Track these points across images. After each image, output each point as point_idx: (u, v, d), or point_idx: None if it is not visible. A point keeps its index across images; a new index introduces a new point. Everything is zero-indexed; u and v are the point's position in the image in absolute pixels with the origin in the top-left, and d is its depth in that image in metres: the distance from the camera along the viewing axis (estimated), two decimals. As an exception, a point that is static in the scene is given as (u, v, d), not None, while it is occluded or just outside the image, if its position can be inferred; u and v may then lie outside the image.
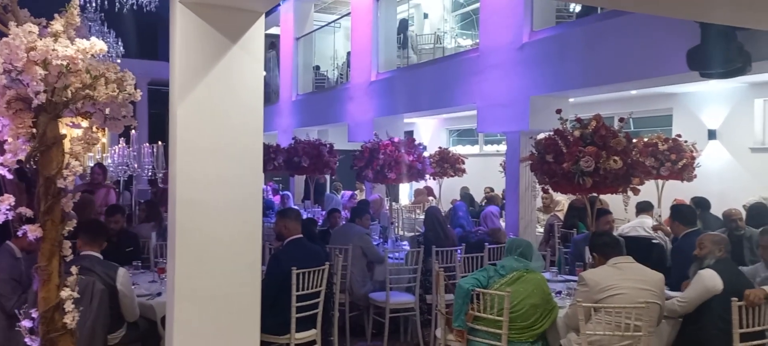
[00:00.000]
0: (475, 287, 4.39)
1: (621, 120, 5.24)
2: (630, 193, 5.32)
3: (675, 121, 10.52)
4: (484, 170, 13.40)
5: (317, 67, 16.15)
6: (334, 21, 15.48)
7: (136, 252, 5.79)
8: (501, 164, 11.39)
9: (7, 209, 3.41)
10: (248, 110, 3.74)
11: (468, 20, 14.25)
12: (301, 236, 5.05)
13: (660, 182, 8.93)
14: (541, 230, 9.16)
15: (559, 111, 5.35)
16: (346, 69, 14.54)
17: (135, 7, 7.95)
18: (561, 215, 8.89)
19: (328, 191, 13.96)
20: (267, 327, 4.38)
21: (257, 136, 3.80)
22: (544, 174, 5.27)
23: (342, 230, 7.12)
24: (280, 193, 12.45)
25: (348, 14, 13.72)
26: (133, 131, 7.63)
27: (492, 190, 12.00)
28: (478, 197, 12.44)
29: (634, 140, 5.70)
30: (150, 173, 7.54)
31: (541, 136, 5.84)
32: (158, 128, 16.41)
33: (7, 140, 3.55)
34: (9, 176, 3.65)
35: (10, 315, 4.19)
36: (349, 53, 14.12)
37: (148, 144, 7.57)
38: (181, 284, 3.52)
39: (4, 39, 3.19)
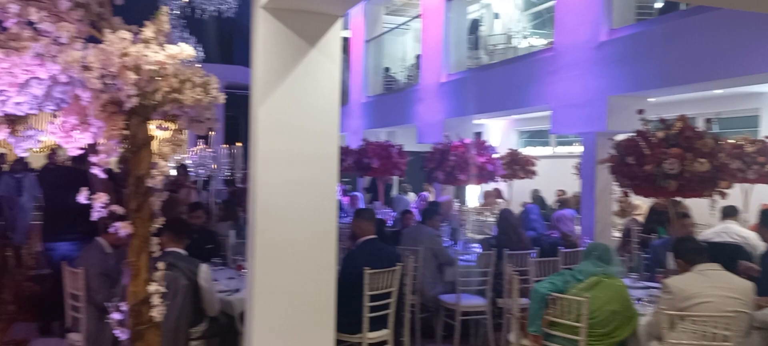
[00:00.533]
0: (551, 292, 4.31)
1: (708, 121, 5.01)
2: (717, 197, 5.08)
3: (763, 122, 9.98)
4: (555, 172, 13.11)
5: (387, 69, 16.24)
6: (404, 23, 15.52)
7: (215, 249, 5.98)
8: (575, 166, 11.11)
9: (101, 207, 3.60)
10: (325, 112, 3.80)
11: (540, 19, 13.99)
12: (374, 236, 5.09)
13: (746, 185, 8.49)
14: (618, 234, 8.87)
15: (640, 111, 5.17)
16: (415, 70, 14.55)
17: (215, 13, 8.25)
18: (639, 219, 8.59)
19: (395, 193, 14.01)
20: (340, 325, 4.43)
21: (333, 138, 3.85)
22: (624, 177, 5.11)
23: (412, 232, 7.13)
24: (350, 193, 12.58)
25: (418, 16, 13.72)
26: (211, 133, 7.89)
27: (564, 192, 11.73)
28: (550, 199, 12.18)
29: (721, 142, 5.44)
30: (227, 174, 7.77)
31: (621, 137, 5.66)
32: (233, 131, 16.92)
33: (98, 142, 3.75)
34: (102, 175, 3.86)
35: (101, 308, 4.42)
36: (418, 56, 14.13)
37: (225, 146, 7.80)
38: (261, 282, 3.61)
39: (100, 45, 3.37)
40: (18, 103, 4.77)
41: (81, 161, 6.00)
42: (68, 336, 4.67)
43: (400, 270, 5.08)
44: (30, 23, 3.53)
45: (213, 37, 15.08)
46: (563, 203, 10.56)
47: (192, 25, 11.49)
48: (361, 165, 10.68)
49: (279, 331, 3.63)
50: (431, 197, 12.01)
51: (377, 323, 4.98)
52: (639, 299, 4.98)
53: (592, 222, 8.30)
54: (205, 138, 8.67)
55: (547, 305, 4.32)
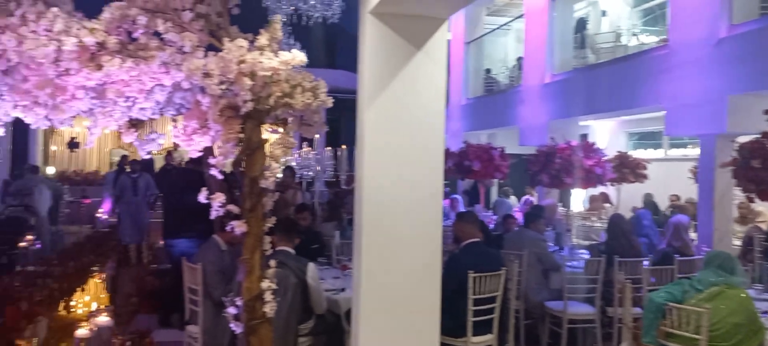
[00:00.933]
0: (668, 302, 4.09)
1: None
2: None
3: None
4: (667, 176, 12.42)
5: (488, 71, 16.05)
6: (506, 23, 15.29)
7: (320, 249, 6.15)
8: (691, 170, 10.48)
9: (219, 206, 3.79)
10: (431, 115, 3.82)
11: (652, 16, 13.33)
12: (478, 239, 5.04)
13: None
14: (738, 243, 8.28)
15: (767, 112, 4.81)
16: (517, 72, 14.28)
17: (320, 19, 8.49)
18: (762, 227, 7.98)
19: (495, 196, 13.81)
20: (444, 328, 4.42)
21: (439, 140, 3.86)
22: (748, 181, 4.77)
23: (516, 236, 6.99)
24: (450, 196, 12.54)
25: (521, 16, 13.47)
26: (316, 136, 8.12)
27: (678, 198, 11.10)
28: (662, 204, 11.56)
29: None
30: (330, 175, 7.96)
31: (744, 139, 5.28)
32: (334, 133, 17.31)
33: (215, 145, 3.96)
34: (219, 176, 4.07)
35: (217, 302, 4.66)
36: (520, 57, 13.87)
37: (329, 148, 7.99)
38: (367, 282, 3.67)
39: (220, 53, 3.55)
40: (142, 109, 5.13)
41: (198, 163, 6.37)
42: (187, 328, 4.96)
43: (505, 274, 5.00)
44: (156, 34, 3.79)
45: (316, 42, 15.54)
46: (678, 208, 9.99)
47: (297, 30, 11.89)
48: (461, 168, 10.61)
49: (384, 331, 3.68)
50: (534, 201, 11.74)
51: (481, 328, 4.92)
52: (765, 313, 4.63)
53: (711, 230, 7.80)
54: (309, 141, 8.92)
55: (664, 315, 4.11)
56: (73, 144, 17.65)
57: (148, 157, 6.46)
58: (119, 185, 10.59)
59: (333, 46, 16.34)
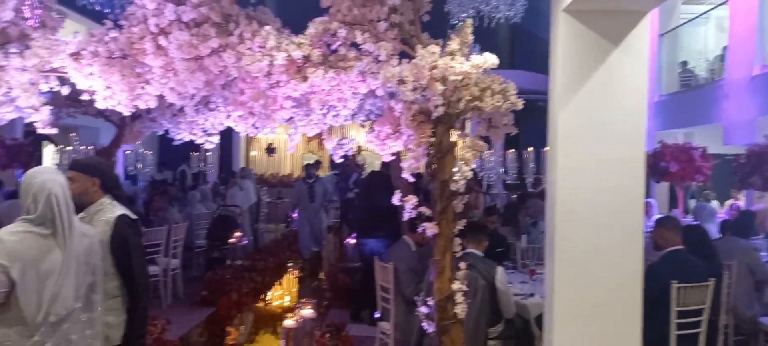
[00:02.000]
0: None
1: None
2: None
3: None
4: None
5: (684, 64, 14.78)
6: (706, 12, 13.98)
7: (505, 253, 6.08)
8: None
9: (411, 208, 3.92)
10: (630, 115, 3.62)
11: None
12: (681, 247, 4.66)
13: None
14: None
15: None
16: (719, 64, 12.97)
17: (502, 20, 8.43)
18: None
19: (693, 200, 12.67)
20: (644, 341, 4.15)
21: (639, 143, 3.65)
22: None
23: (724, 244, 6.35)
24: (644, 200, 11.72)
25: (724, 2, 12.24)
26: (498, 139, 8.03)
27: None
28: None
29: None
30: (513, 178, 7.85)
31: None
32: (513, 135, 16.99)
33: (409, 149, 4.09)
34: (411, 180, 4.20)
35: (408, 301, 4.81)
36: (724, 47, 12.59)
37: (512, 150, 7.89)
38: (561, 290, 3.57)
39: (413, 61, 3.68)
40: (335, 116, 5.47)
41: (386, 166, 6.63)
42: (379, 324, 5.18)
43: (713, 286, 4.57)
44: (353, 45, 4.02)
45: (494, 42, 15.38)
46: None
47: (475, 32, 11.86)
48: (656, 169, 9.86)
49: (581, 340, 3.55)
50: (742, 206, 10.59)
51: (685, 343, 4.54)
52: None
53: None
54: (489, 142, 8.83)
55: None
56: (270, 149, 19.26)
57: (340, 161, 6.87)
58: (296, 191, 10.70)
59: (512, 46, 16.11)
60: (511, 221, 7.43)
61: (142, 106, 4.28)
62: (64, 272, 2.72)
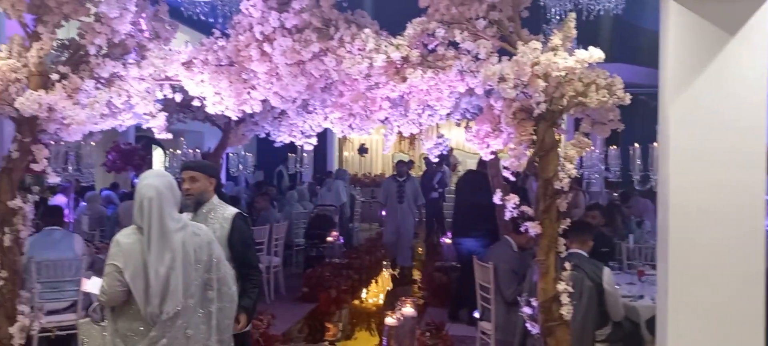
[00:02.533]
0: None
1: None
2: None
3: None
4: None
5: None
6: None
7: (610, 253, 5.86)
8: None
9: (512, 207, 3.87)
10: (748, 108, 3.41)
11: None
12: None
13: None
14: None
15: None
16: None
17: (602, 12, 8.15)
18: None
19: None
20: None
21: (759, 137, 3.42)
22: None
23: None
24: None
25: None
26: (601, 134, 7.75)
27: None
28: None
29: None
30: (616, 175, 7.55)
31: None
32: (613, 131, 16.34)
33: (510, 147, 4.03)
34: (512, 179, 4.14)
35: (509, 302, 4.75)
36: None
37: (614, 146, 7.60)
38: (675, 291, 3.41)
39: (515, 58, 3.62)
40: (431, 116, 5.47)
41: (482, 165, 6.57)
42: (479, 324, 5.15)
43: None
44: (451, 44, 4.01)
45: (593, 35, 14.84)
46: None
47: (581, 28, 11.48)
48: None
49: (697, 343, 3.37)
50: None
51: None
52: None
53: None
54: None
55: None
56: (362, 150, 19.56)
57: (436, 160, 6.85)
58: (384, 189, 9.63)
59: (611, 38, 15.54)
60: (613, 220, 7.15)
61: (248, 110, 4.46)
62: (171, 271, 2.87)
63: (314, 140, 6.25)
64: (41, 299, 4.43)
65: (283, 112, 5.93)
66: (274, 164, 14.57)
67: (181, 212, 3.51)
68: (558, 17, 9.62)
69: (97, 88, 4.19)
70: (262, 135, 6.73)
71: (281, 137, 6.40)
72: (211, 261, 3.07)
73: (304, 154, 12.60)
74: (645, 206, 8.20)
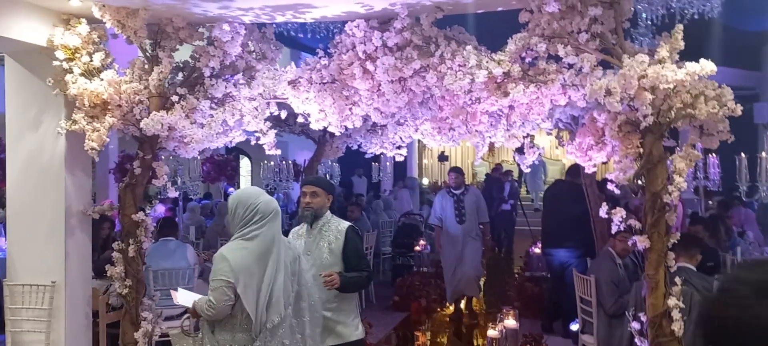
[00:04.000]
0: None
1: None
2: None
3: None
4: None
5: None
6: None
7: (716, 268, 5.65)
8: None
9: (619, 221, 3.83)
10: None
11: None
12: None
13: None
14: None
15: None
16: None
17: (696, 16, 7.86)
18: None
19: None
20: None
21: None
22: None
23: None
24: None
25: None
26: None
27: None
28: None
29: None
30: (716, 186, 7.27)
31: None
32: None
33: (614, 160, 4.00)
34: (617, 192, 4.10)
35: (610, 315, 4.68)
36: None
37: (713, 156, 7.31)
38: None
39: (621, 71, 3.60)
40: (522, 126, 5.46)
41: (576, 175, 6.48)
42: (581, 337, 5.08)
43: None
44: (552, 57, 4.02)
45: (686, 39, 14.17)
46: None
47: (662, 30, 11.10)
48: None
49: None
50: None
51: None
52: None
53: None
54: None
55: None
56: (442, 157, 19.56)
57: (527, 170, 6.82)
58: (437, 207, 7.32)
59: (702, 43, 14.96)
60: (717, 231, 6.87)
61: (350, 126, 4.62)
62: (274, 282, 3.02)
63: (404, 151, 6.37)
64: (158, 306, 4.73)
65: (374, 125, 6.09)
66: (350, 173, 14.78)
67: (298, 223, 3.70)
68: (650, 22, 9.35)
69: (212, 108, 4.46)
70: (355, 147, 6.92)
71: (372, 149, 6.56)
72: (301, 272, 3.21)
73: (388, 163, 12.77)
74: (746, 215, 7.85)
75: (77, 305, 4.58)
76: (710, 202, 8.98)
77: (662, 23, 8.96)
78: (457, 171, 7.48)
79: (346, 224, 3.63)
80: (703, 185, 7.18)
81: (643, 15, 9.27)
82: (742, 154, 5.09)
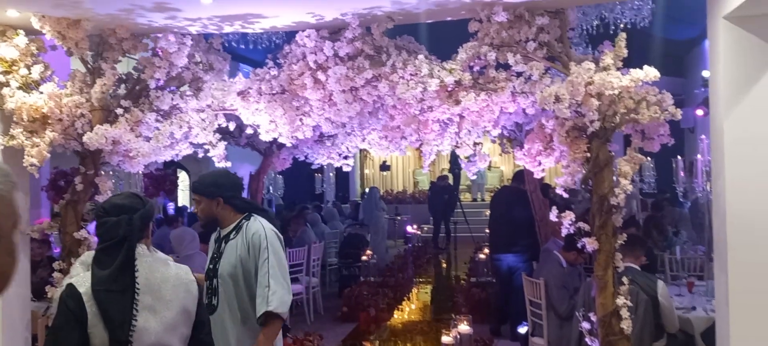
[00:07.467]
0: None
1: None
2: None
3: None
4: None
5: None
6: None
7: (652, 265, 5.91)
8: None
9: (569, 224, 3.94)
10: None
11: None
12: None
13: None
14: None
15: None
16: None
17: (629, 25, 8.21)
18: None
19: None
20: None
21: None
22: None
23: None
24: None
25: None
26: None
27: None
28: None
29: None
30: (651, 187, 7.60)
31: None
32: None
33: (562, 165, 4.12)
34: (566, 195, 4.22)
35: (561, 317, 4.81)
36: None
37: (647, 158, 7.64)
38: (737, 304, 3.44)
39: (569, 78, 3.72)
40: (469, 132, 5.55)
41: (520, 181, 6.64)
42: (531, 340, 5.20)
43: None
44: (500, 65, 4.11)
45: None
46: None
47: (595, 40, 11.54)
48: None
49: (761, 355, 3.42)
50: None
51: None
52: None
53: None
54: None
55: None
56: (384, 167, 19.66)
57: (473, 177, 6.93)
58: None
59: (632, 51, 15.65)
60: (649, 232, 7.18)
61: (301, 136, 4.58)
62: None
63: (352, 161, 6.37)
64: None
65: (322, 135, 6.07)
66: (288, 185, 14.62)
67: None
68: (584, 31, 9.66)
69: (158, 121, 4.34)
70: (301, 158, 6.86)
71: (319, 160, 6.53)
72: None
73: (331, 174, 12.76)
74: (681, 215, 8.23)
75: (15, 328, 4.35)
76: (648, 202, 9.37)
77: (597, 33, 9.33)
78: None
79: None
80: (640, 187, 7.50)
81: (580, 25, 9.61)
82: (679, 157, 5.34)
